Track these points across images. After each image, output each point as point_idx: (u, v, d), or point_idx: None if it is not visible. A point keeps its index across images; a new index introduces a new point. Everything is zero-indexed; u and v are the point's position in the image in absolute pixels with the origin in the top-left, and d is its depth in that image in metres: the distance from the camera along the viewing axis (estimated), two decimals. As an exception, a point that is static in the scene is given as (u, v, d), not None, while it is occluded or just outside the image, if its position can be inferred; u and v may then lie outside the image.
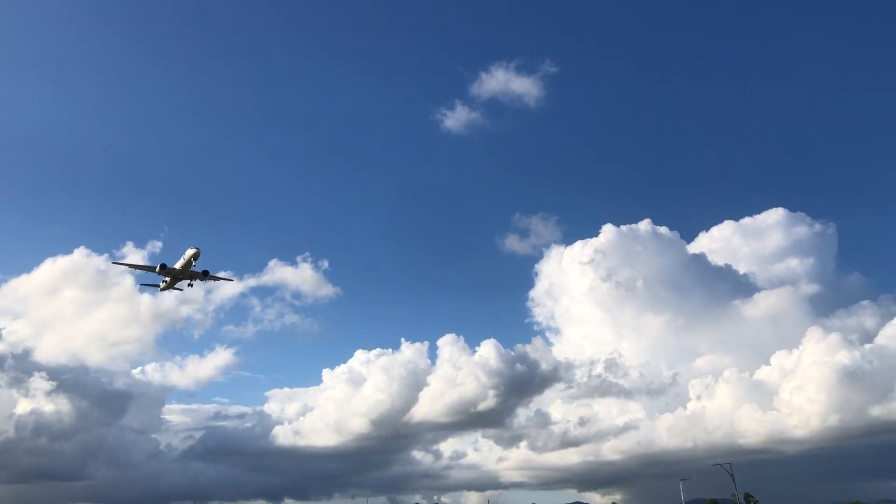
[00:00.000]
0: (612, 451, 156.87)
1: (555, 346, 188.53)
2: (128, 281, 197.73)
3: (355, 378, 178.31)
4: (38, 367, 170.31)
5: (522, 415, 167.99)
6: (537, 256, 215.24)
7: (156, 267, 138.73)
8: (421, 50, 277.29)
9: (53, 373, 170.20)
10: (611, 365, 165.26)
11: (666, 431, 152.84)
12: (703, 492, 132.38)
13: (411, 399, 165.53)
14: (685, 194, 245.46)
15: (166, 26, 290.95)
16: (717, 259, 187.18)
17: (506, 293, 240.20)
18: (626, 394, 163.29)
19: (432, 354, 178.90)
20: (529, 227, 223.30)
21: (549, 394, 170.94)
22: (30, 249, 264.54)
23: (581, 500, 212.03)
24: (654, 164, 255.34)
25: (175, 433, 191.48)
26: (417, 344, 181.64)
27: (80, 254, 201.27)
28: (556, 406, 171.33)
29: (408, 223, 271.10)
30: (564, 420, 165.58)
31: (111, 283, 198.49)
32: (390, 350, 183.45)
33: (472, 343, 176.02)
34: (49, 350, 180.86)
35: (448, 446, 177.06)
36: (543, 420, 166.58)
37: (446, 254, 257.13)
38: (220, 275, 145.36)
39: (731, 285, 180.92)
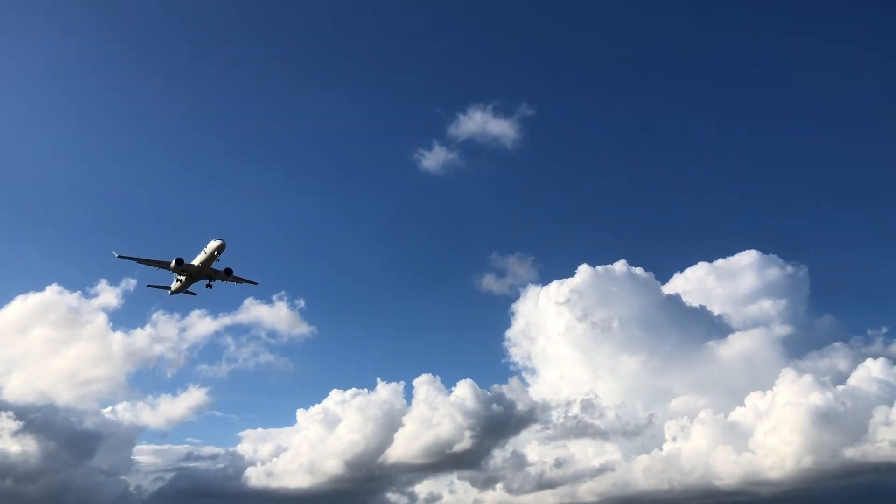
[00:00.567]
0: (588, 492, 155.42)
1: (531, 387, 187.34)
2: (100, 318, 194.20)
3: (330, 418, 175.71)
4: (5, 407, 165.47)
5: (498, 456, 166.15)
6: (514, 296, 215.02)
7: (169, 262, 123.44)
8: (400, 91, 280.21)
9: (21, 412, 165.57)
10: (587, 406, 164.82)
11: (642, 473, 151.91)
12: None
13: (386, 440, 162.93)
14: (660, 235, 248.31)
15: (135, 66, 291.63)
16: (691, 300, 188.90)
17: (482, 333, 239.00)
18: (603, 435, 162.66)
19: (408, 394, 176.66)
20: (506, 267, 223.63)
21: (525, 435, 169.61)
22: (0, 286, 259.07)
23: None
24: (629, 204, 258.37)
25: (145, 475, 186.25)
26: (393, 384, 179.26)
27: (52, 291, 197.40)
28: (533, 447, 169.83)
29: (385, 262, 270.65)
30: (541, 461, 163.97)
31: (83, 320, 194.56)
32: (366, 390, 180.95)
33: (449, 383, 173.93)
34: (17, 389, 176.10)
35: (423, 488, 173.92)
36: (520, 461, 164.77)
37: (423, 293, 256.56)
38: (244, 276, 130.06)
39: (706, 326, 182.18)
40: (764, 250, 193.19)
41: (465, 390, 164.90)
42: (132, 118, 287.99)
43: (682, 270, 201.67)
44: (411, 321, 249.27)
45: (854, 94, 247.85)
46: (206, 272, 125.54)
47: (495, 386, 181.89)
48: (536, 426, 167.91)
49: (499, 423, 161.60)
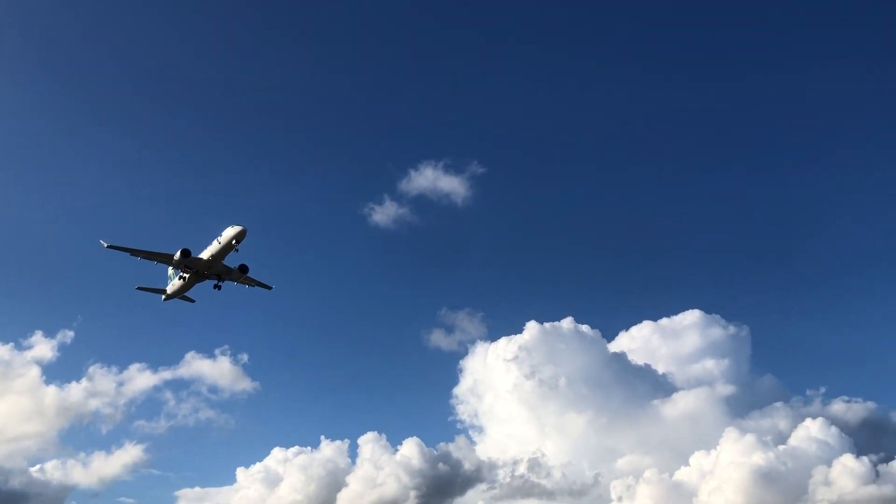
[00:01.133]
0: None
1: (478, 445, 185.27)
2: (33, 372, 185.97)
3: (271, 477, 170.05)
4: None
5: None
6: (462, 353, 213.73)
7: (172, 255, 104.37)
8: (352, 145, 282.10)
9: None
10: (534, 465, 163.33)
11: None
12: None
13: (330, 500, 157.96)
14: (606, 292, 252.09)
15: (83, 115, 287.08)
16: (636, 358, 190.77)
17: (430, 390, 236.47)
18: (549, 495, 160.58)
19: (353, 453, 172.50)
20: (455, 323, 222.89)
21: (471, 494, 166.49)
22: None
23: None
24: (576, 262, 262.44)
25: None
26: (338, 442, 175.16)
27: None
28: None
29: (332, 317, 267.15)
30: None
31: (14, 374, 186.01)
32: (309, 448, 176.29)
33: (395, 441, 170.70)
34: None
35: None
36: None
37: (371, 348, 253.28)
38: (258, 279, 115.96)
39: (651, 385, 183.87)
40: (707, 310, 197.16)
41: (411, 449, 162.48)
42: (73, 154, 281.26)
43: (627, 328, 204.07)
44: (358, 377, 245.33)
45: (789, 157, 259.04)
46: (216, 269, 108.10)
47: (442, 444, 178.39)
48: (483, 486, 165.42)
49: (445, 483, 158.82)
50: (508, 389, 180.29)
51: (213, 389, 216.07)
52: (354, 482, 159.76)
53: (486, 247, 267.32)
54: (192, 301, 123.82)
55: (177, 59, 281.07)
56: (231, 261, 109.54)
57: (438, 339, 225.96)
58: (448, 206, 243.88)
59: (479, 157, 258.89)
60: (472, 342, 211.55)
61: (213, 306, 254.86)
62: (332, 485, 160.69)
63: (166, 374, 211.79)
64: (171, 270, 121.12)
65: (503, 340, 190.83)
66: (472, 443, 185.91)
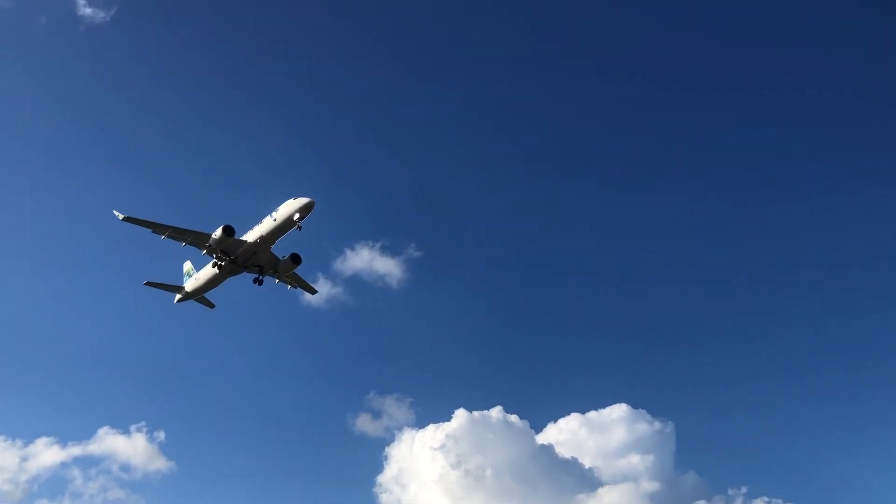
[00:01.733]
0: None
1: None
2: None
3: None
4: None
5: None
6: (389, 439, 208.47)
7: (208, 234, 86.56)
8: None
9: None
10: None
11: None
12: None
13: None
14: (536, 383, 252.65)
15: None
16: (564, 451, 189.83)
17: (353, 476, 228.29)
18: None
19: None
20: (383, 408, 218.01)
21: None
22: None
23: None
24: (507, 351, 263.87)
25: None
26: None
27: None
28: None
29: (256, 397, 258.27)
30: None
31: None
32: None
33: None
34: None
35: None
36: None
37: (295, 430, 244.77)
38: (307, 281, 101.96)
39: (577, 479, 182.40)
40: (634, 405, 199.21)
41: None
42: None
43: (556, 420, 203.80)
44: (280, 459, 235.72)
45: (712, 256, 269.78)
46: (261, 257, 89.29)
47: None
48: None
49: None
50: (434, 479, 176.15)
51: (126, 468, 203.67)
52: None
53: (419, 331, 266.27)
54: (212, 306, 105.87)
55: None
56: (281, 249, 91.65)
57: (365, 423, 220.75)
58: (382, 287, 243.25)
59: (418, 240, 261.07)
60: (400, 428, 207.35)
61: (131, 379, 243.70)
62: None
63: (75, 450, 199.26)
64: (187, 266, 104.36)
65: (431, 428, 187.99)
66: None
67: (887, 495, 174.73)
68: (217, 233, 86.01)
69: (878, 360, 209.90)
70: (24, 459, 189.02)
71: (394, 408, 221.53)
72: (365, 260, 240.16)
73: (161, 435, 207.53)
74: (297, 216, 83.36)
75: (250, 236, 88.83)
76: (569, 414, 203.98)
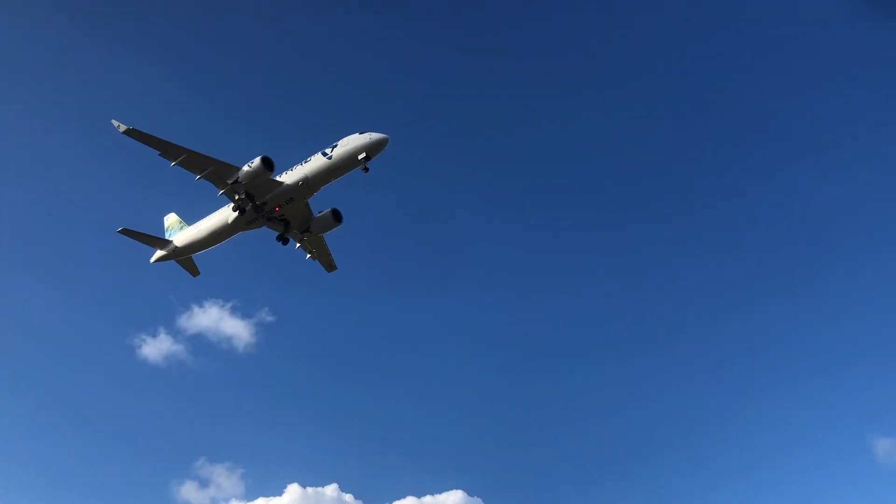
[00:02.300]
0: None
1: None
2: None
3: None
4: None
5: None
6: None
7: (237, 168, 68.64)
8: (130, 275, 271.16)
9: None
10: None
11: None
12: None
13: None
14: (374, 463, 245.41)
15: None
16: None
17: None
18: None
19: None
20: (211, 477, 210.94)
21: None
22: None
23: None
24: (346, 427, 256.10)
25: None
26: None
27: None
28: None
29: (73, 455, 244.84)
30: None
31: None
32: None
33: None
34: None
35: None
36: None
37: (112, 495, 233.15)
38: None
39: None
40: (470, 492, 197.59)
41: None
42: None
43: (391, 502, 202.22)
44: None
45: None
46: (296, 207, 72.70)
47: None
48: None
49: None
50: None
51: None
52: None
53: (259, 399, 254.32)
54: (197, 273, 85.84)
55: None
56: (318, 204, 76.20)
57: (189, 492, 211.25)
58: (228, 350, 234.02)
59: (272, 305, 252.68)
60: (227, 500, 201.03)
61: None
62: None
63: None
64: (171, 219, 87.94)
65: (261, 501, 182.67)
66: None
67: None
68: (254, 163, 67.61)
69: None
70: None
71: (223, 477, 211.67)
72: (213, 318, 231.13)
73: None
74: (362, 155, 66.87)
75: (288, 177, 71.07)
76: (405, 497, 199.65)
